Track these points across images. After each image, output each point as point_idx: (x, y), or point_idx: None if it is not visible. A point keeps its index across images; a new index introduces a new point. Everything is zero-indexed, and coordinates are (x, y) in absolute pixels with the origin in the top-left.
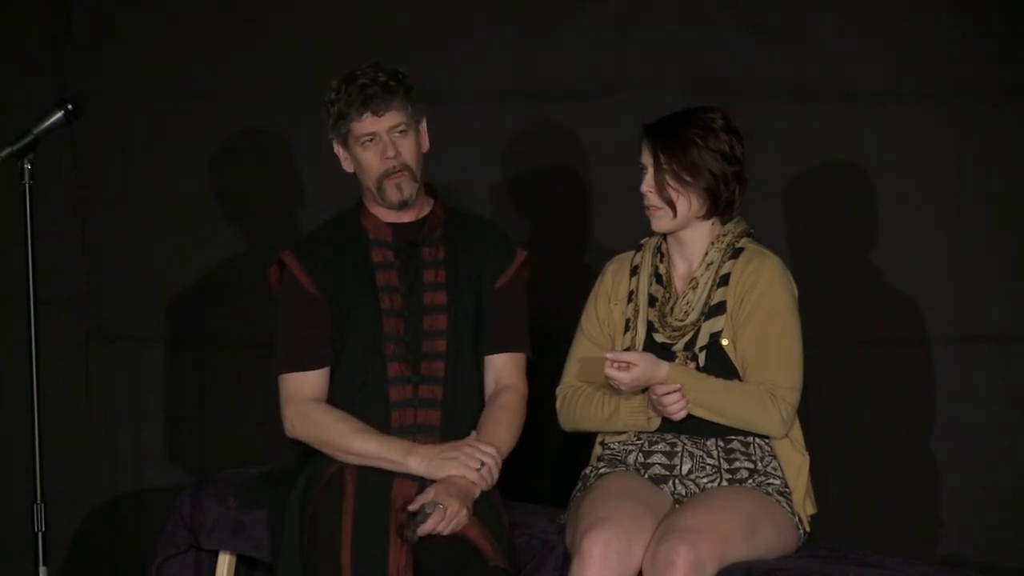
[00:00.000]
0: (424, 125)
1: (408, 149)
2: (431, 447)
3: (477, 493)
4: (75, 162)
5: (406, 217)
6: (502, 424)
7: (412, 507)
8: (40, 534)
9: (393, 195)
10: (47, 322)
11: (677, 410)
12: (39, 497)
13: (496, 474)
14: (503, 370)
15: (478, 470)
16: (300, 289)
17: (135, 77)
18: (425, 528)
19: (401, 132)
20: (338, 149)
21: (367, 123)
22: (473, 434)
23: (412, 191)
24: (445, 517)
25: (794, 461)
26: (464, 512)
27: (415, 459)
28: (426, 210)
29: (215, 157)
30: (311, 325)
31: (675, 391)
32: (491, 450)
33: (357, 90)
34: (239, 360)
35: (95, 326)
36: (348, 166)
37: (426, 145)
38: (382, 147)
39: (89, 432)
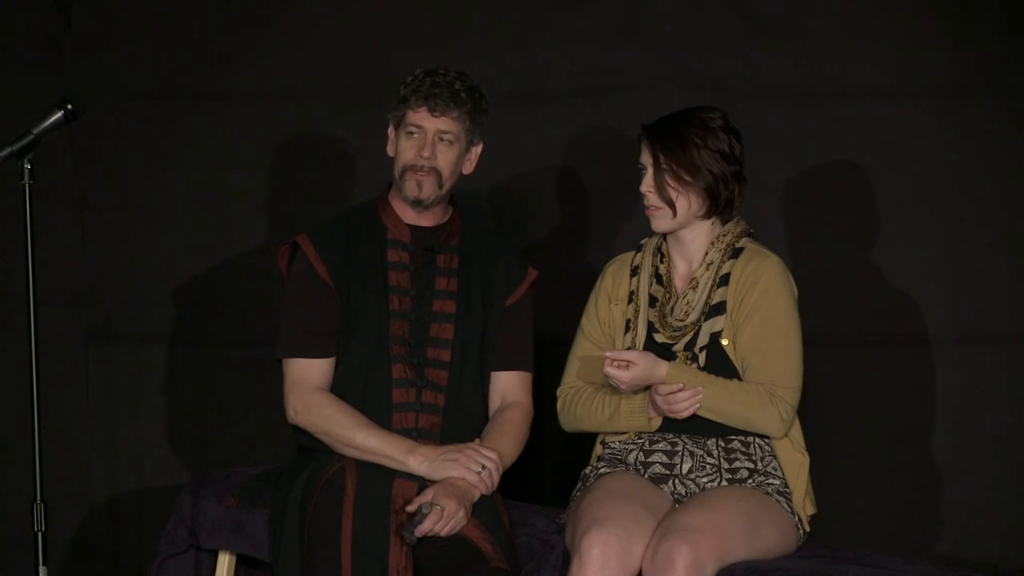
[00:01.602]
0: (477, 151)
1: (446, 158)
2: (433, 448)
3: (476, 495)
4: (75, 162)
5: (426, 221)
6: (505, 435)
7: (409, 508)
8: (40, 534)
9: (411, 190)
10: (47, 321)
11: (685, 408)
12: (39, 497)
13: (497, 479)
14: (509, 388)
15: (479, 473)
16: (314, 275)
17: (135, 77)
18: (422, 529)
19: (447, 141)
20: (390, 130)
21: (421, 116)
22: (476, 440)
23: (431, 196)
24: (443, 518)
25: (794, 461)
26: (462, 513)
27: (416, 459)
28: (445, 217)
29: (215, 157)
30: (321, 313)
31: (679, 390)
32: (492, 454)
33: (429, 84)
34: (239, 359)
35: (95, 325)
36: (391, 149)
37: (470, 169)
38: (421, 143)
39: (89, 431)
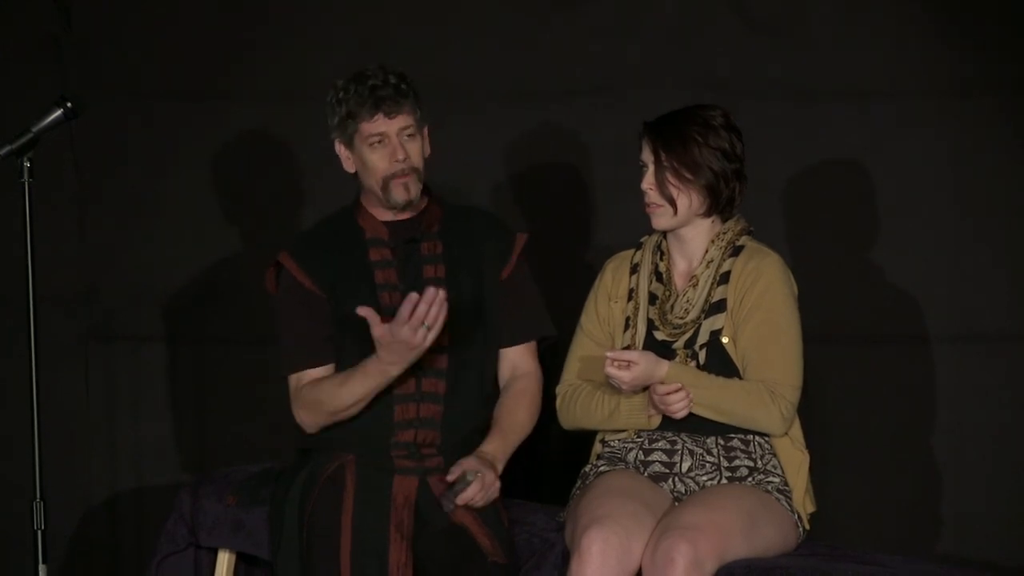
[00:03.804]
0: (427, 131)
1: (416, 152)
2: (378, 348)
3: (500, 468)
4: (75, 161)
5: (403, 215)
6: (521, 407)
7: (450, 477)
8: (40, 532)
9: (400, 195)
10: (46, 320)
11: (679, 409)
12: (39, 495)
13: (496, 491)
14: (518, 359)
15: (428, 329)
16: (300, 289)
17: (135, 77)
18: (466, 496)
19: (410, 135)
20: (340, 148)
21: (378, 123)
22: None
23: (417, 192)
24: (483, 485)
25: (794, 459)
26: (497, 484)
27: (386, 366)
28: (422, 206)
29: (215, 156)
30: (314, 324)
31: (677, 391)
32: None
33: (368, 91)
34: (239, 358)
35: (94, 324)
36: (350, 166)
37: (428, 150)
38: (391, 149)
39: (88, 430)
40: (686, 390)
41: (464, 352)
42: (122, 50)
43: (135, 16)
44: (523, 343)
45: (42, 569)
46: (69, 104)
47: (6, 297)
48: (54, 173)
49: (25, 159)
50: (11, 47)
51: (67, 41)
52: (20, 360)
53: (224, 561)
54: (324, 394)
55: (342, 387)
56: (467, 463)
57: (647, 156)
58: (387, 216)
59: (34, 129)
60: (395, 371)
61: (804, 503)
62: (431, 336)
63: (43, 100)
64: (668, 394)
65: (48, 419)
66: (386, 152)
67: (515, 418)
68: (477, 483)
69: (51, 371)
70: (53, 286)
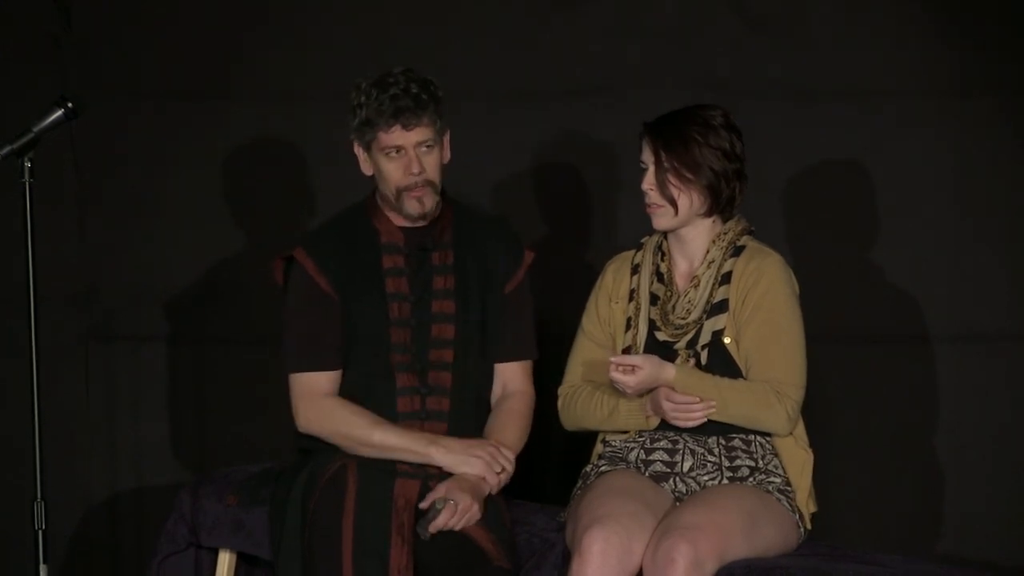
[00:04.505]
0: (448, 137)
1: (432, 165)
2: (454, 439)
3: (487, 491)
4: (75, 161)
5: (419, 222)
6: (509, 427)
7: (423, 505)
8: (40, 532)
9: (413, 208)
10: (47, 320)
11: (699, 418)
12: (39, 495)
13: (505, 480)
14: (512, 377)
15: (498, 474)
16: (315, 288)
17: (135, 77)
18: (437, 524)
19: (428, 147)
20: (358, 150)
21: (395, 135)
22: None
23: (432, 205)
24: (457, 512)
25: (797, 459)
26: (476, 507)
27: (438, 450)
28: (436, 212)
29: (215, 156)
30: (326, 325)
31: (698, 402)
32: (511, 455)
33: (389, 100)
34: (239, 358)
35: (95, 325)
36: (367, 169)
37: (448, 156)
38: (407, 162)
39: (89, 430)
40: (706, 403)
41: (467, 369)
42: (122, 50)
43: (135, 16)
44: (516, 360)
45: (42, 569)
46: (69, 104)
47: (6, 297)
48: (54, 173)
49: (25, 159)
50: (11, 47)
51: (67, 41)
52: (20, 360)
53: (224, 561)
54: (352, 420)
55: (376, 427)
56: (440, 490)
57: (647, 156)
58: (403, 221)
59: (34, 129)
60: (438, 457)
61: (807, 503)
62: (491, 478)
63: (43, 100)
64: (688, 404)
65: (48, 419)
66: (401, 164)
67: (503, 438)
68: (447, 511)
69: (51, 371)
70: (53, 286)
